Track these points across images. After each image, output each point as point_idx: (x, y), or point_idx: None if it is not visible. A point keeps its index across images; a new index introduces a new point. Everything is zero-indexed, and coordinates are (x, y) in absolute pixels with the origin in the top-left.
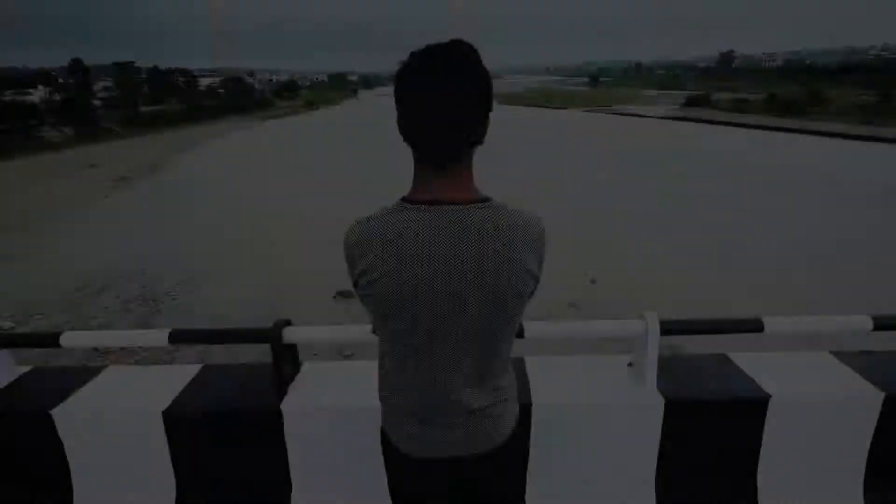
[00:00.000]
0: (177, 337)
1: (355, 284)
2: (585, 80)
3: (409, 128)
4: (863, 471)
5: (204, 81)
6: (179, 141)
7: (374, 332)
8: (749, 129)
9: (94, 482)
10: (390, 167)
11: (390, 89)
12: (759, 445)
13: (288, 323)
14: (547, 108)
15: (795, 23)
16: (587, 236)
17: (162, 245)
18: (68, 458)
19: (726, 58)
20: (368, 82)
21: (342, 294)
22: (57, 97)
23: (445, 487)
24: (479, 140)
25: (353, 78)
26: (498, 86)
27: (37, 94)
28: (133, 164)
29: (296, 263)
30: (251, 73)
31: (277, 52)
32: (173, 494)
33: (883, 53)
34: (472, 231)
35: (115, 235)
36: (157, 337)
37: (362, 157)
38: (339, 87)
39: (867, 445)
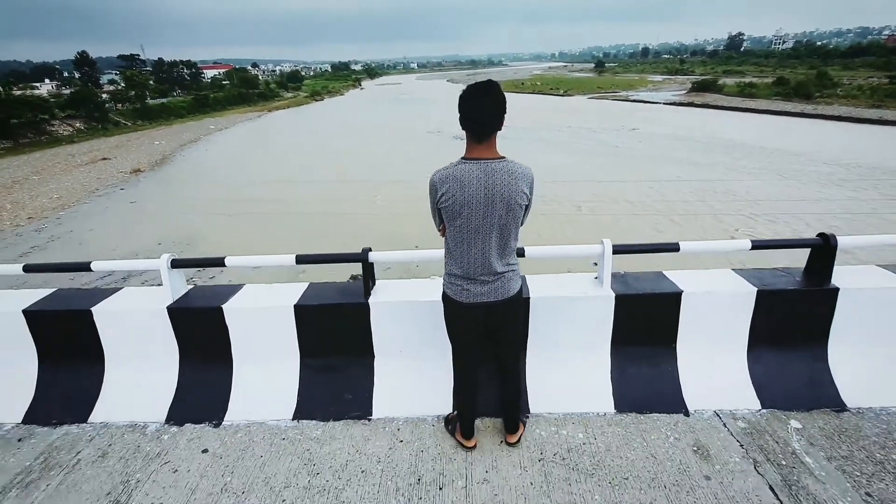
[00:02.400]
0: (302, 259)
1: (437, 202)
2: (591, 65)
3: (466, 122)
4: (746, 340)
5: (209, 73)
6: (185, 132)
7: (440, 231)
8: (752, 113)
9: (248, 350)
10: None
11: (393, 78)
12: (678, 323)
13: (370, 250)
14: (552, 94)
15: (807, 3)
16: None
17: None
18: (231, 337)
19: (735, 40)
20: (372, 71)
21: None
22: (65, 91)
23: (481, 322)
24: (499, 128)
25: (357, 67)
26: (502, 73)
27: (43, 88)
28: (143, 157)
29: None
30: (255, 65)
31: (281, 42)
32: (298, 356)
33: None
34: (496, 173)
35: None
36: (286, 259)
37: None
38: (343, 76)
39: (748, 324)
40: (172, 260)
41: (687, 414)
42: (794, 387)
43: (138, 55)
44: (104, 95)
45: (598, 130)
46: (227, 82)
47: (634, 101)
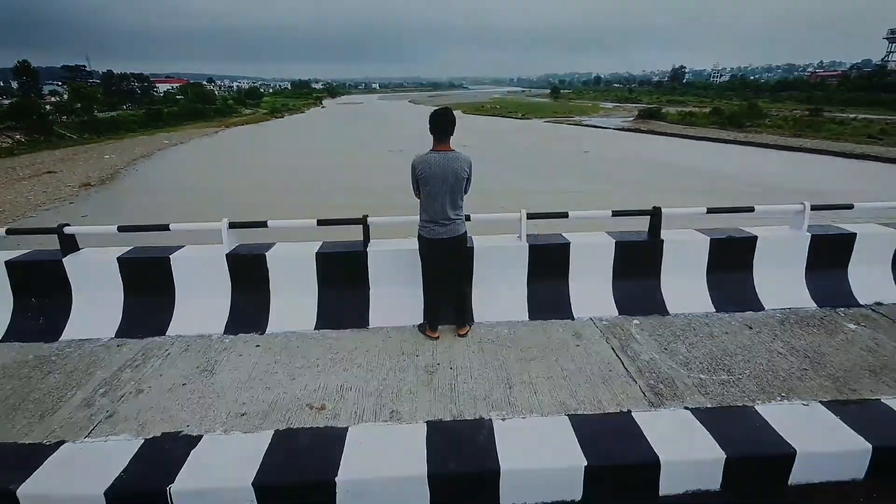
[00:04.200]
0: (322, 222)
1: (416, 176)
2: (547, 91)
3: (433, 130)
4: (611, 273)
5: (161, 87)
6: (137, 147)
7: (417, 196)
8: (690, 139)
9: (282, 284)
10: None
11: (355, 97)
12: (568, 263)
13: (367, 216)
14: (510, 117)
15: (741, 40)
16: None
17: None
18: (270, 276)
19: (678, 72)
20: (333, 90)
21: None
22: (2, 101)
23: (443, 252)
24: (451, 134)
25: (318, 86)
26: (462, 95)
27: None
28: (92, 171)
29: None
30: (211, 80)
31: (239, 58)
32: (316, 287)
33: (819, 70)
34: (448, 159)
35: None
36: (310, 222)
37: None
38: (304, 94)
39: (612, 262)
40: (229, 223)
41: (572, 318)
42: (638, 301)
43: (84, 66)
44: (47, 107)
45: (554, 153)
46: (181, 97)
47: (587, 125)
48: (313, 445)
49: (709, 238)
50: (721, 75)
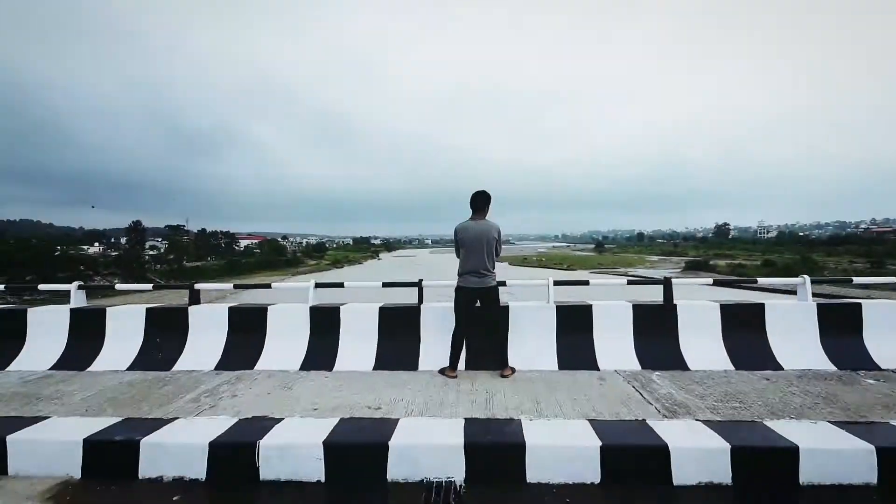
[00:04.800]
0: (386, 284)
1: (457, 237)
2: (591, 246)
3: (472, 204)
4: (631, 331)
5: (243, 243)
6: (214, 292)
7: (458, 255)
8: (743, 289)
9: (349, 331)
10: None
11: (409, 252)
12: (592, 323)
13: (422, 280)
14: (556, 268)
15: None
16: None
17: None
18: (340, 325)
19: (722, 229)
20: (390, 246)
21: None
22: (110, 253)
23: (475, 300)
24: (485, 209)
25: (376, 241)
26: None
27: (91, 250)
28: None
29: None
30: (285, 237)
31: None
32: (377, 336)
33: (872, 227)
34: (482, 224)
35: None
36: (376, 283)
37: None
38: (363, 248)
39: (631, 323)
40: (315, 283)
41: (598, 369)
42: (659, 357)
43: (183, 225)
44: (146, 257)
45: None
46: (258, 250)
47: (633, 276)
48: (371, 425)
49: (718, 304)
50: (768, 231)
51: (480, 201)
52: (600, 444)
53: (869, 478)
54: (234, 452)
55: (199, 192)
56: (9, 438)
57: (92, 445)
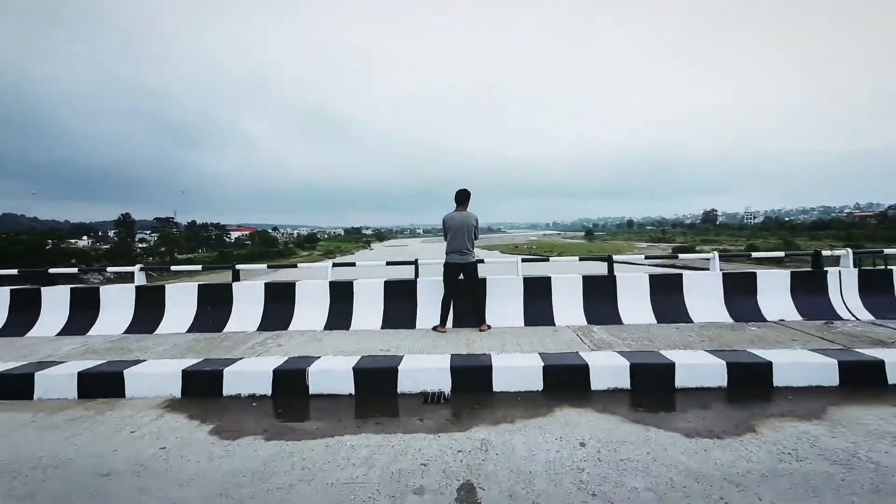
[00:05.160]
0: (390, 262)
1: (444, 226)
2: (582, 233)
3: (456, 199)
4: (581, 296)
5: (234, 235)
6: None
7: (445, 238)
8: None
9: (361, 300)
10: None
11: (401, 241)
12: (551, 290)
13: (417, 259)
14: (545, 256)
15: (773, 185)
16: None
17: None
18: (354, 295)
19: (710, 215)
20: (381, 235)
21: None
22: (100, 246)
23: (459, 273)
24: (466, 203)
25: (367, 231)
26: (501, 238)
27: (80, 244)
28: None
29: None
30: (275, 228)
31: (299, 209)
32: (382, 302)
33: (854, 212)
34: (464, 215)
35: None
36: (381, 262)
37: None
38: (354, 239)
39: (581, 290)
40: (333, 263)
41: (554, 325)
42: (601, 315)
43: (172, 217)
44: (137, 249)
45: None
46: (248, 242)
47: (621, 262)
48: (384, 358)
49: (648, 275)
50: (754, 217)
51: (462, 196)
52: (543, 364)
53: (721, 382)
54: (291, 376)
55: (187, 185)
56: (125, 372)
57: (187, 374)
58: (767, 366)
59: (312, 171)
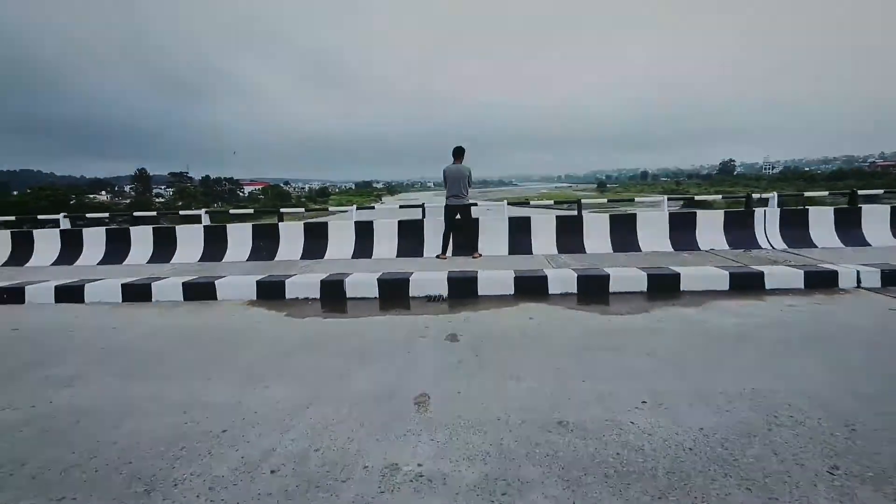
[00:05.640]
0: (403, 205)
1: (444, 175)
2: (594, 186)
3: (453, 154)
4: (554, 232)
5: (247, 189)
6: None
7: (445, 185)
8: None
9: (379, 236)
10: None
11: (410, 195)
12: (531, 228)
13: (424, 203)
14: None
15: (795, 135)
16: None
17: None
18: (374, 231)
19: (727, 166)
20: (392, 189)
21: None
22: (121, 200)
23: (456, 213)
24: (462, 157)
25: (378, 185)
26: (512, 191)
27: (99, 199)
28: None
29: None
30: (287, 182)
31: (311, 164)
32: (396, 237)
33: (879, 161)
34: (459, 168)
35: None
36: (395, 206)
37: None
38: (366, 193)
39: (554, 226)
40: (357, 206)
41: (532, 254)
42: (569, 246)
43: (186, 172)
44: (156, 203)
45: None
46: (262, 196)
47: (630, 214)
48: (399, 274)
49: (608, 214)
50: (773, 167)
51: (458, 152)
52: (515, 276)
53: (642, 287)
54: (333, 285)
55: (198, 141)
56: (216, 282)
57: (260, 283)
58: (677, 276)
59: (321, 123)
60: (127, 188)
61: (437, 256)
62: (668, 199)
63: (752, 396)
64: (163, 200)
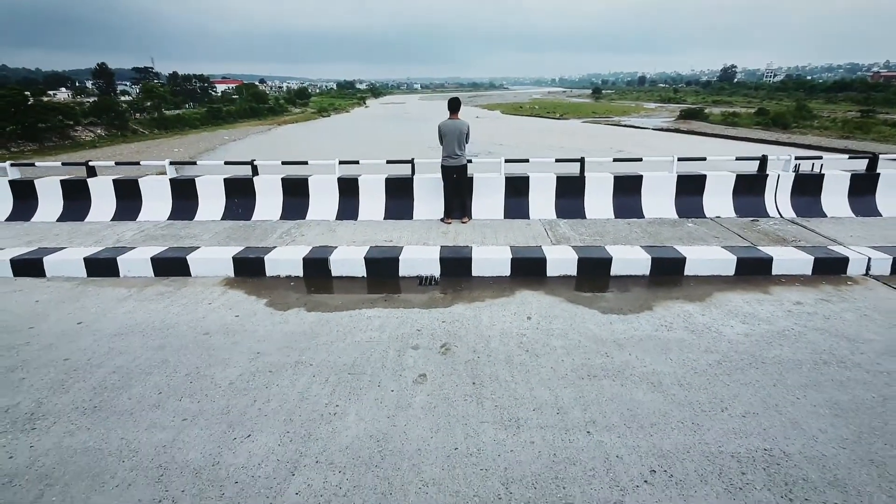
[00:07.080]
0: (390, 161)
1: (439, 132)
2: (589, 91)
3: (448, 107)
4: (554, 192)
5: (219, 88)
6: (201, 142)
7: (440, 143)
8: (730, 139)
9: (365, 192)
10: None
11: (397, 97)
12: (528, 187)
13: (413, 158)
14: (548, 118)
15: (798, 40)
16: None
17: None
18: (359, 187)
19: (728, 72)
20: (376, 91)
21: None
22: (81, 100)
23: (453, 174)
24: (458, 110)
25: (362, 86)
26: (502, 96)
27: (59, 97)
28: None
29: None
30: (262, 81)
31: (287, 59)
32: (384, 196)
33: (883, 70)
34: (456, 123)
35: None
36: (381, 161)
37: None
38: (349, 95)
39: (554, 186)
40: (339, 160)
41: (529, 218)
42: (569, 210)
43: (151, 68)
44: (123, 105)
45: (586, 151)
46: (236, 96)
47: (625, 125)
48: (389, 249)
49: (613, 175)
50: (775, 75)
51: (454, 105)
52: (511, 256)
53: (645, 271)
54: (317, 262)
55: (161, 29)
56: (188, 257)
57: (237, 260)
58: (682, 260)
59: (299, 15)
60: (89, 84)
61: (442, 220)
62: (667, 107)
63: (766, 464)
64: (129, 99)
